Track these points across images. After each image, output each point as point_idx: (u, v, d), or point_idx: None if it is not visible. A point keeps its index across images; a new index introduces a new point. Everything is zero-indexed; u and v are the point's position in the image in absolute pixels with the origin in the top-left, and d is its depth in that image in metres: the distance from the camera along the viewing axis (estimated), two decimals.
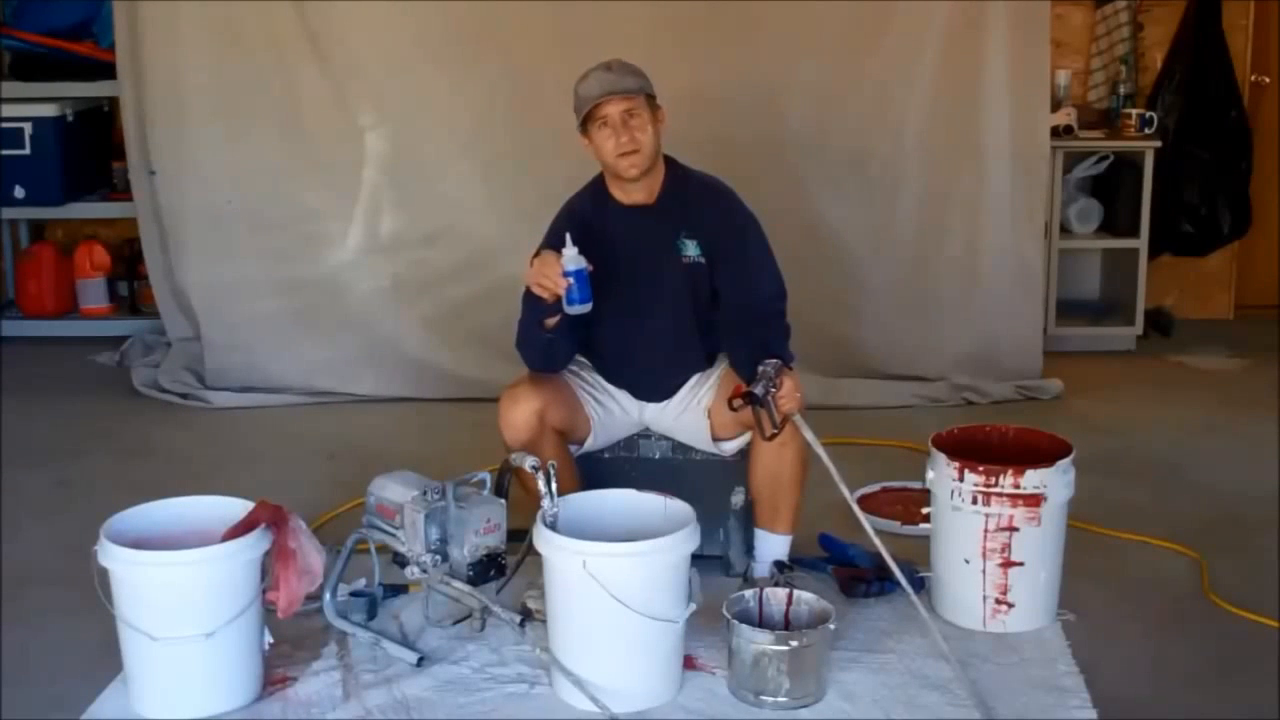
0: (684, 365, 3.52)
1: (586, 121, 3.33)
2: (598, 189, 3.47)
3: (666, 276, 3.42)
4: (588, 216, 3.45)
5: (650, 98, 3.37)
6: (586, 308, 3.23)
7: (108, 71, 5.54)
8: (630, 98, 3.30)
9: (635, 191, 3.40)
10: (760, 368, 3.17)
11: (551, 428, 3.36)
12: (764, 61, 5.08)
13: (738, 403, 3.21)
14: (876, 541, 3.17)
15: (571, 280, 3.19)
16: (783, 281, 3.47)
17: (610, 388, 3.54)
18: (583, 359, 3.56)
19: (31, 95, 5.80)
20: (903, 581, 3.14)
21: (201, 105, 5.15)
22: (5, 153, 5.74)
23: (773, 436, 3.21)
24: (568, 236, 3.22)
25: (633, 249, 3.41)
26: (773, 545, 3.46)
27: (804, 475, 3.36)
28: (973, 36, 5.04)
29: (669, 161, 3.46)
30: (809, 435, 3.22)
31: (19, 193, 5.81)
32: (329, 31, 5.10)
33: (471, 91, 5.15)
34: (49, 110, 5.78)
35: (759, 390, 3.16)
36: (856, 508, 3.21)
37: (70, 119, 5.86)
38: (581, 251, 3.30)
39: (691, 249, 3.41)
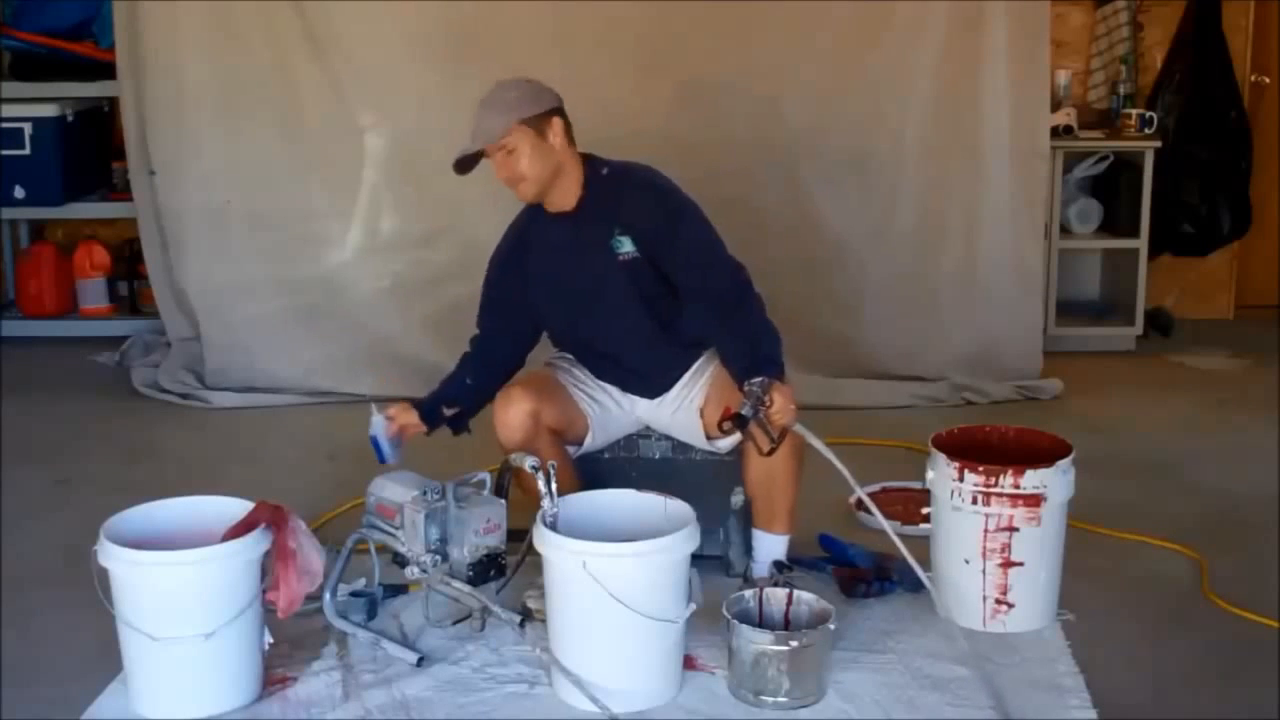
0: (662, 359, 3.49)
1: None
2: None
3: (606, 278, 3.39)
4: (525, 229, 3.49)
5: (528, 119, 3.30)
6: (394, 464, 3.41)
7: (108, 71, 5.54)
8: (492, 144, 3.31)
9: (556, 201, 3.40)
10: (747, 387, 3.12)
11: (547, 427, 3.35)
12: (764, 61, 5.08)
13: (727, 425, 3.17)
14: (894, 536, 3.16)
15: (371, 444, 3.42)
16: (733, 259, 3.39)
17: (602, 383, 3.54)
18: (572, 356, 3.57)
19: (31, 95, 5.80)
20: (921, 575, 3.14)
21: (201, 105, 5.16)
22: (5, 153, 5.74)
23: (770, 452, 3.16)
24: (372, 407, 3.46)
25: (569, 255, 3.41)
26: (770, 545, 3.46)
27: (798, 474, 3.35)
28: (973, 36, 5.04)
29: (588, 160, 3.42)
30: (815, 442, 3.19)
31: (19, 193, 5.81)
32: (329, 31, 5.10)
33: (471, 91, 5.08)
34: (49, 110, 5.78)
35: (747, 411, 3.10)
36: (869, 500, 3.21)
37: (70, 119, 5.86)
38: (521, 265, 3.43)
39: (626, 245, 3.37)
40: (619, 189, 3.40)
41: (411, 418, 3.43)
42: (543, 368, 3.58)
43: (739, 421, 3.11)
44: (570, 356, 3.57)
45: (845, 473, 3.16)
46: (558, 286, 3.44)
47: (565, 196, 3.39)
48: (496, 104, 3.35)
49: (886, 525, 3.19)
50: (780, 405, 3.12)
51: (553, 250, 3.42)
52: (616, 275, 3.39)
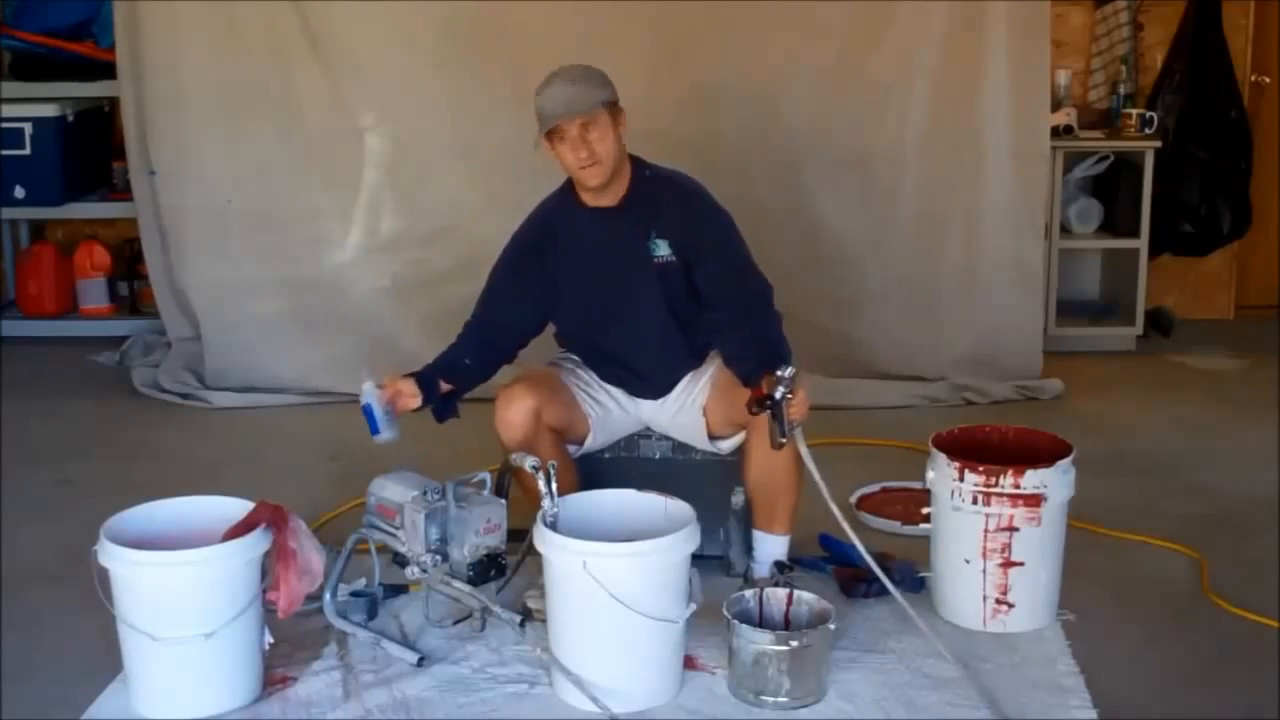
0: (672, 363, 3.50)
1: (548, 134, 3.32)
2: (566, 192, 3.46)
3: (639, 277, 3.40)
4: (554, 220, 3.46)
5: (610, 104, 3.31)
6: (386, 438, 3.31)
7: (108, 71, 5.54)
8: (586, 115, 3.27)
9: (601, 195, 3.39)
10: (779, 372, 3.11)
11: (548, 426, 3.35)
12: (764, 61, 5.08)
13: (755, 407, 3.16)
14: (865, 555, 3.14)
15: (363, 414, 3.30)
16: (763, 274, 3.43)
17: (606, 385, 3.54)
18: (577, 358, 3.56)
19: (31, 95, 5.80)
20: (894, 591, 3.11)
21: (201, 105, 5.16)
22: (5, 153, 5.74)
23: (780, 446, 3.15)
24: (364, 372, 3.35)
25: (602, 252, 3.41)
26: (771, 546, 3.46)
27: (799, 476, 3.33)
28: (973, 36, 5.04)
29: (635, 161, 3.43)
30: (804, 449, 3.20)
31: (19, 193, 5.81)
32: (329, 31, 5.10)
33: (472, 91, 5.15)
34: (49, 110, 5.78)
35: (778, 394, 3.10)
36: (846, 525, 3.16)
37: (70, 119, 5.86)
38: (543, 255, 3.37)
39: (663, 249, 3.39)
40: (661, 192, 3.42)
41: (408, 386, 3.36)
42: (547, 366, 3.57)
43: (770, 403, 3.10)
44: (575, 358, 3.57)
45: (823, 488, 3.13)
46: (585, 280, 3.42)
47: (613, 192, 3.39)
48: (583, 80, 3.31)
49: (861, 547, 3.16)
50: (800, 399, 3.13)
51: (586, 244, 3.41)
52: (649, 277, 3.40)
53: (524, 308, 3.49)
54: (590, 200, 3.40)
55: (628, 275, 3.41)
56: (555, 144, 3.30)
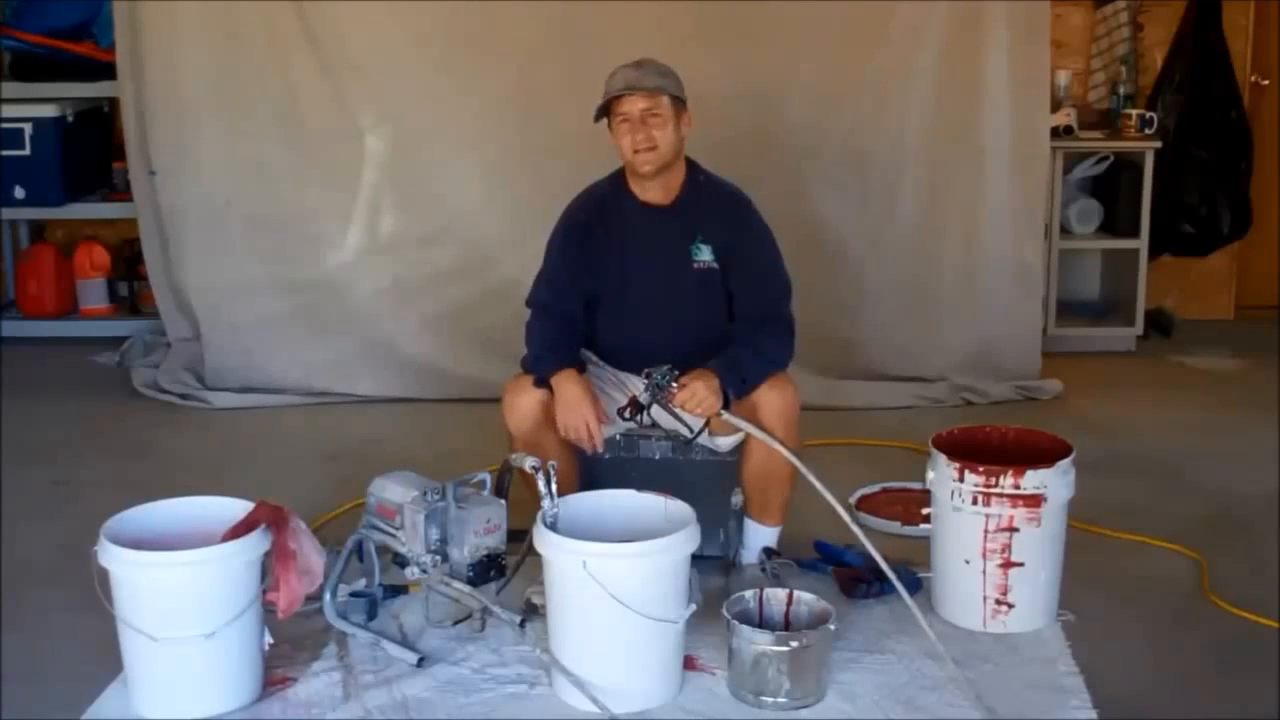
0: (691, 366, 3.50)
1: (609, 116, 3.35)
2: (618, 180, 3.49)
3: (677, 279, 3.43)
4: (604, 204, 3.48)
5: (676, 99, 3.37)
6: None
7: (108, 71, 5.54)
8: (651, 96, 3.32)
9: (653, 191, 3.41)
10: (645, 373, 3.22)
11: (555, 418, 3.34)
12: (764, 61, 5.08)
13: (628, 412, 3.26)
14: (868, 546, 3.14)
15: None
16: (788, 283, 3.48)
17: (620, 374, 3.53)
18: (588, 351, 3.56)
19: (31, 95, 5.80)
20: (897, 584, 3.12)
21: (202, 106, 5.15)
22: (5, 153, 5.74)
23: (690, 442, 3.28)
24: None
25: (645, 248, 3.43)
26: (762, 535, 3.51)
27: (794, 472, 3.34)
28: (973, 36, 5.04)
29: (691, 165, 3.47)
30: (747, 427, 3.23)
31: (19, 193, 5.81)
32: (329, 31, 5.10)
33: (472, 91, 5.15)
34: (49, 110, 5.78)
35: (644, 399, 3.22)
36: (841, 509, 3.14)
37: (70, 119, 5.87)
38: (594, 241, 3.37)
39: (706, 254, 3.43)
40: (712, 198, 3.46)
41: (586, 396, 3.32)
42: None
43: (635, 408, 3.24)
44: (590, 354, 3.55)
45: (795, 461, 3.17)
46: (622, 271, 3.44)
47: (665, 190, 3.42)
48: (656, 69, 3.38)
49: (862, 535, 3.15)
50: (687, 395, 3.19)
51: (631, 236, 3.44)
52: (687, 279, 3.43)
53: (589, 284, 3.48)
54: (641, 193, 3.42)
55: (667, 275, 3.43)
56: (615, 125, 3.36)
